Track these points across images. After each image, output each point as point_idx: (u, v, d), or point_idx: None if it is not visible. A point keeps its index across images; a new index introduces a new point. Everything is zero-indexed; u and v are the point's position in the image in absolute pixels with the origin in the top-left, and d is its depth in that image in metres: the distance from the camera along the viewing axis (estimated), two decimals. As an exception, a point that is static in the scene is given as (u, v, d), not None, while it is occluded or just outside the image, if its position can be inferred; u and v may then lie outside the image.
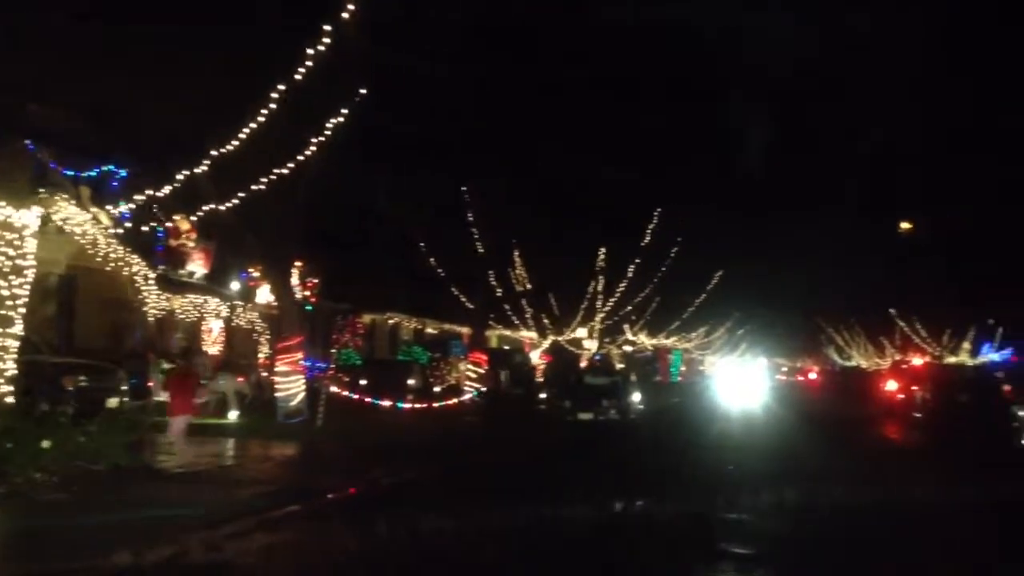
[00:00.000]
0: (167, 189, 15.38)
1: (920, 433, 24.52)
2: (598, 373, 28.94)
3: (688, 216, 38.54)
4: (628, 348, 56.31)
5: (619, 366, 56.98)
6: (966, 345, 55.55)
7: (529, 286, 36.35)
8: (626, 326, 49.41)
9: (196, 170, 14.66)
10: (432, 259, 30.80)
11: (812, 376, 76.67)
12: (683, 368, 74.77)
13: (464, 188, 29.51)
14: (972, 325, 53.02)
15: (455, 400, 27.67)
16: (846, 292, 55.18)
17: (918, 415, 27.40)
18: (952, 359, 52.63)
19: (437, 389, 31.09)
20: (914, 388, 30.30)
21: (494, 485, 12.98)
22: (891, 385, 33.63)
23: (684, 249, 40.25)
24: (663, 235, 38.01)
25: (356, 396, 22.87)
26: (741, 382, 46.75)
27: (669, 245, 39.10)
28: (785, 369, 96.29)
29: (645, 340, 56.74)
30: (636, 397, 26.05)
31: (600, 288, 39.98)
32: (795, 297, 60.91)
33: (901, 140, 37.43)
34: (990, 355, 53.23)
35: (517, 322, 37.76)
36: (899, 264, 46.54)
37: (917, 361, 41.18)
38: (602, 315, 41.03)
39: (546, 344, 39.10)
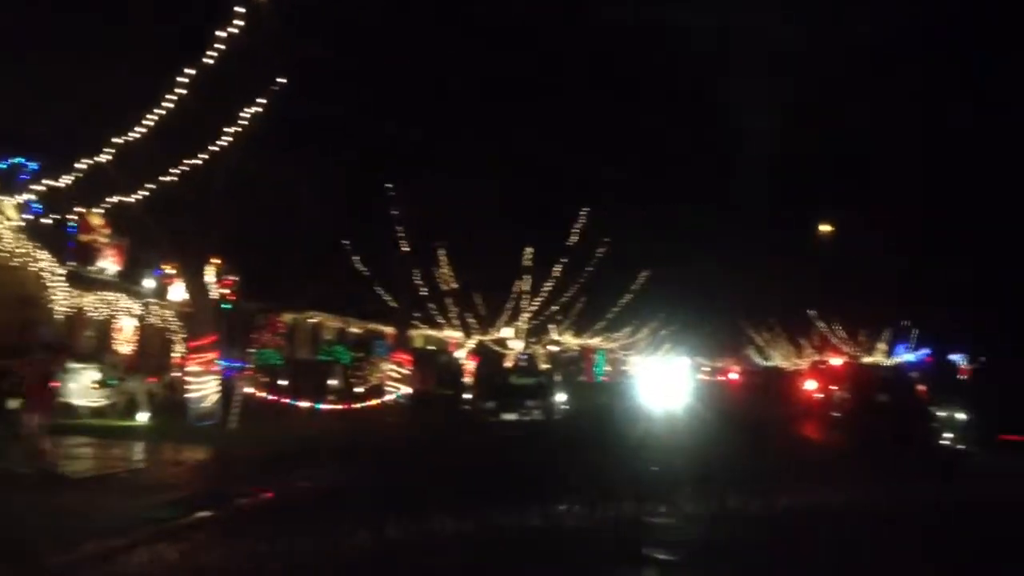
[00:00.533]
0: (71, 179, 14.62)
1: (840, 433, 24.77)
2: (523, 373, 28.67)
3: (615, 216, 38.64)
4: (554, 348, 56.24)
5: (545, 366, 57.05)
6: (882, 346, 56.71)
7: (455, 285, 35.95)
8: (552, 326, 49.25)
9: (100, 159, 13.91)
10: (356, 257, 30.22)
11: (733, 376, 77.71)
12: (608, 368, 75.11)
13: (390, 186, 29.01)
14: (888, 326, 54.17)
15: (377, 401, 27.15)
16: (767, 293, 56.13)
17: (837, 414, 27.72)
18: (868, 359, 53.66)
19: (360, 390, 30.55)
20: (833, 388, 30.68)
21: (410, 490, 12.56)
22: (810, 385, 34.06)
23: (611, 249, 40.31)
24: (591, 235, 37.96)
25: (273, 397, 22.22)
26: (664, 382, 46.96)
27: (597, 245, 39.07)
28: (708, 369, 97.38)
29: (571, 340, 56.70)
30: (560, 397, 25.84)
31: (527, 288, 39.71)
32: (718, 298, 61.94)
33: (822, 142, 38.00)
34: (905, 356, 54.51)
35: (442, 322, 37.31)
36: (818, 266, 47.29)
37: (836, 361, 41.79)
38: (528, 315, 40.77)
39: (471, 344, 38.68)
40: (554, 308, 42.12)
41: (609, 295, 48.96)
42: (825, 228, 44.68)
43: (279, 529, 9.14)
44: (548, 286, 39.39)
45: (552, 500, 10.69)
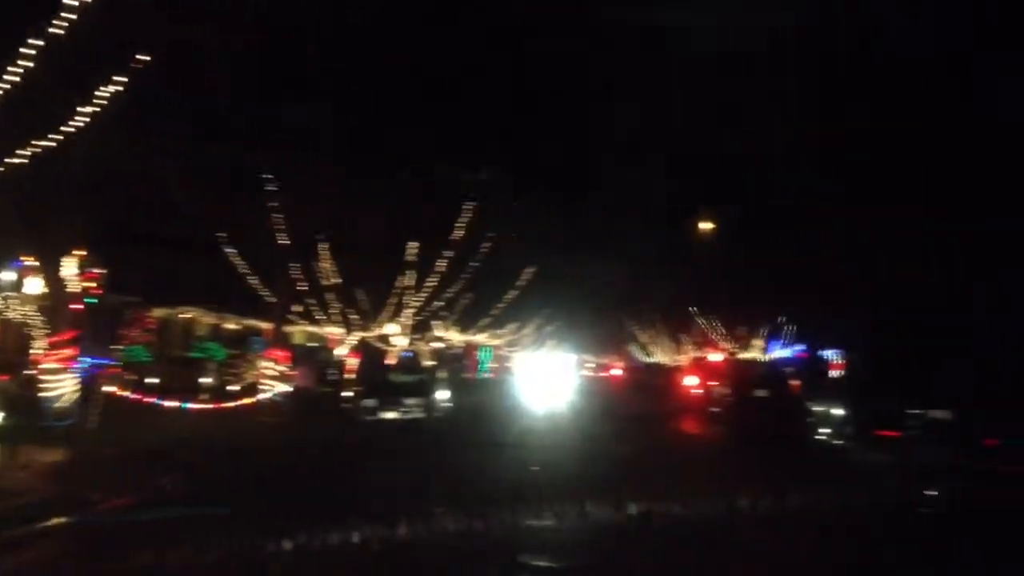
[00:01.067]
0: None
1: (719, 428, 25.07)
2: (404, 371, 28.05)
3: (501, 212, 38.34)
4: (439, 345, 55.69)
5: (429, 363, 56.40)
6: (758, 342, 58.07)
7: (337, 280, 35.04)
8: (436, 322, 48.67)
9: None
10: (232, 250, 29.08)
11: (617, 372, 78.63)
12: (494, 364, 74.99)
13: (270, 176, 28.01)
14: (765, 322, 55.45)
15: (251, 400, 26.13)
16: (650, 290, 56.87)
17: (716, 409, 28.13)
18: (745, 355, 54.87)
19: (234, 388, 29.45)
20: (712, 383, 31.21)
21: (278, 494, 11.92)
22: (691, 381, 34.56)
23: (497, 245, 40.02)
24: (477, 230, 37.56)
25: (138, 396, 21.09)
26: (548, 378, 47.08)
27: (482, 240, 38.69)
28: (592, 365, 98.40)
29: (456, 336, 56.21)
30: (443, 394, 25.36)
31: (411, 283, 38.97)
32: (603, 294, 62.46)
33: (712, 140, 38.44)
34: (781, 351, 55.94)
35: (323, 318, 36.31)
36: (699, 263, 48.05)
37: (716, 357, 42.57)
38: (412, 310, 40.05)
39: (352, 340, 37.76)
40: (438, 304, 41.48)
41: (495, 291, 48.73)
42: (705, 226, 45.42)
43: (131, 537, 8.44)
44: (432, 281, 38.78)
45: (423, 506, 10.18)
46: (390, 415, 22.86)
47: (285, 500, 11.31)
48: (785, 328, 53.69)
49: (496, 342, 66.90)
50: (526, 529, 9.63)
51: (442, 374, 30.60)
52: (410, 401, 23.32)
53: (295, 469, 14.99)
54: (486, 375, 68.58)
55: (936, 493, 12.01)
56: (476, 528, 9.43)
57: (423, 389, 24.34)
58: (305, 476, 14.09)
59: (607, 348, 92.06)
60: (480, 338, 61.57)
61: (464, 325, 54.14)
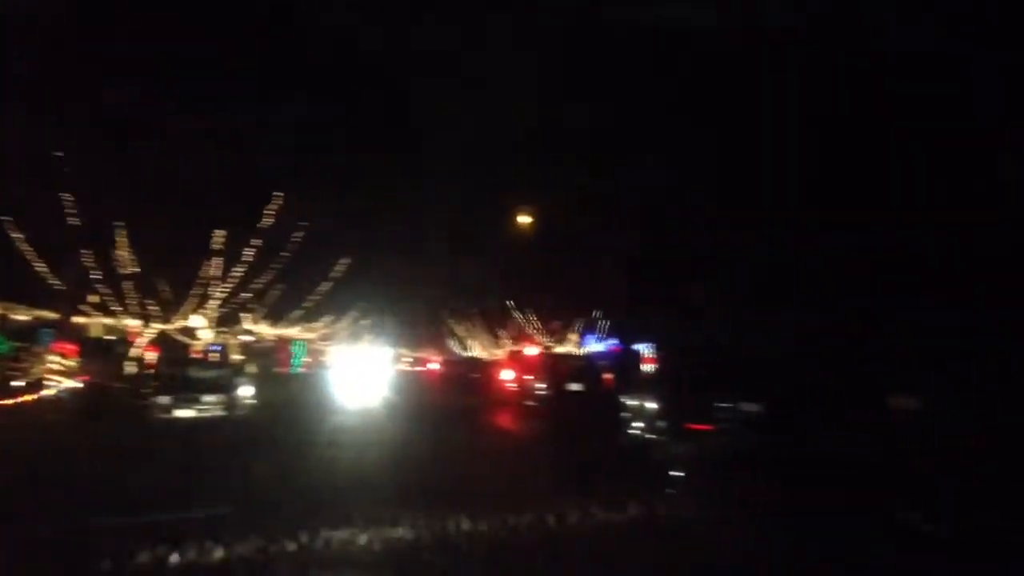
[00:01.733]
0: None
1: (534, 424, 24.89)
2: (203, 366, 26.24)
3: (314, 201, 37.02)
4: (248, 338, 53.47)
5: (239, 357, 54.04)
6: (573, 336, 58.89)
7: (135, 269, 32.82)
8: (245, 315, 46.60)
9: None
10: (20, 235, 26.68)
11: (434, 366, 78.18)
12: (308, 359, 72.87)
13: (59, 154, 25.84)
14: (580, 316, 56.30)
15: (34, 396, 23.98)
16: (468, 284, 56.65)
17: (533, 403, 28.05)
18: (560, 349, 55.51)
19: (19, 384, 27.06)
20: (528, 377, 31.12)
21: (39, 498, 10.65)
22: (507, 375, 34.43)
23: (311, 236, 38.66)
24: (289, 219, 36.08)
25: None
26: (363, 373, 45.94)
27: (294, 229, 37.23)
28: (410, 359, 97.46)
29: (266, 330, 54.08)
30: (247, 391, 23.93)
31: (218, 273, 36.99)
32: (421, 287, 61.73)
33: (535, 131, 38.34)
34: (595, 345, 56.97)
35: (119, 308, 33.92)
36: (516, 257, 48.13)
37: (532, 351, 42.68)
38: (218, 302, 38.05)
39: (151, 333, 35.50)
40: (246, 295, 39.55)
41: (308, 283, 47.07)
42: (523, 219, 45.49)
43: None
44: (239, 271, 36.91)
45: (211, 520, 9.21)
46: (186, 413, 21.27)
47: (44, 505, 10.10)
48: (600, 322, 54.73)
49: (310, 336, 64.95)
50: (321, 541, 8.86)
51: (251, 369, 29.08)
52: (209, 398, 21.75)
53: (72, 472, 13.55)
54: (300, 370, 66.61)
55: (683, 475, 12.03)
56: (255, 543, 8.50)
57: (224, 385, 22.76)
58: (82, 479, 12.72)
59: (424, 342, 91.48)
60: (293, 331, 59.56)
61: (275, 318, 52.10)
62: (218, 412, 21.46)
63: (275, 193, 34.44)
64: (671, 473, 12.89)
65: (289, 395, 34.22)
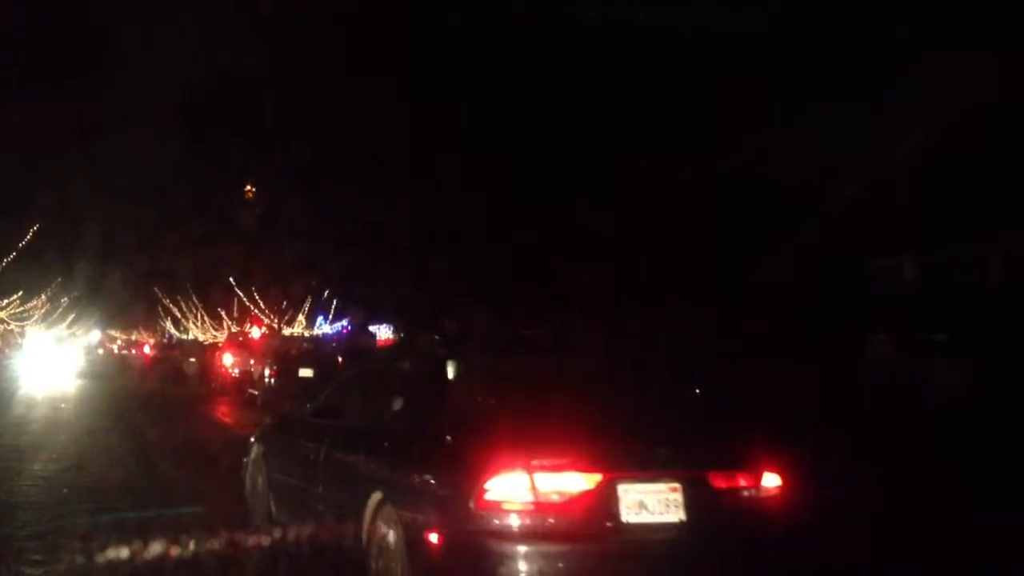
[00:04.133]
0: None
1: (256, 415, 21.96)
2: None
3: None
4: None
5: None
6: (301, 318, 55.87)
7: None
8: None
9: None
10: None
11: (147, 351, 71.82)
12: (-1, 343, 64.54)
13: None
14: (308, 296, 53.21)
15: None
16: (187, 260, 51.57)
17: (255, 392, 25.35)
18: (288, 331, 52.34)
19: None
20: (252, 362, 28.46)
21: None
22: (228, 359, 31.31)
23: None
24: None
25: None
26: (59, 357, 40.57)
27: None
28: (121, 342, 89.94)
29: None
30: None
31: None
32: (132, 264, 55.46)
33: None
34: (324, 327, 54.31)
35: None
36: (242, 234, 44.45)
37: (255, 333, 39.31)
38: None
39: None
40: None
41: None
42: (248, 190, 42.05)
43: None
44: None
45: None
46: None
47: None
48: (331, 303, 52.02)
49: (-1, 315, 57.00)
50: None
51: None
52: None
53: None
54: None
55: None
56: None
57: None
58: None
59: (136, 323, 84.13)
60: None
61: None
62: None
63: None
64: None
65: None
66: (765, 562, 5.42)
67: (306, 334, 49.08)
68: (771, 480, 5.60)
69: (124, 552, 6.56)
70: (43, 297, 58.50)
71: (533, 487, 5.12)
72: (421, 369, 7.10)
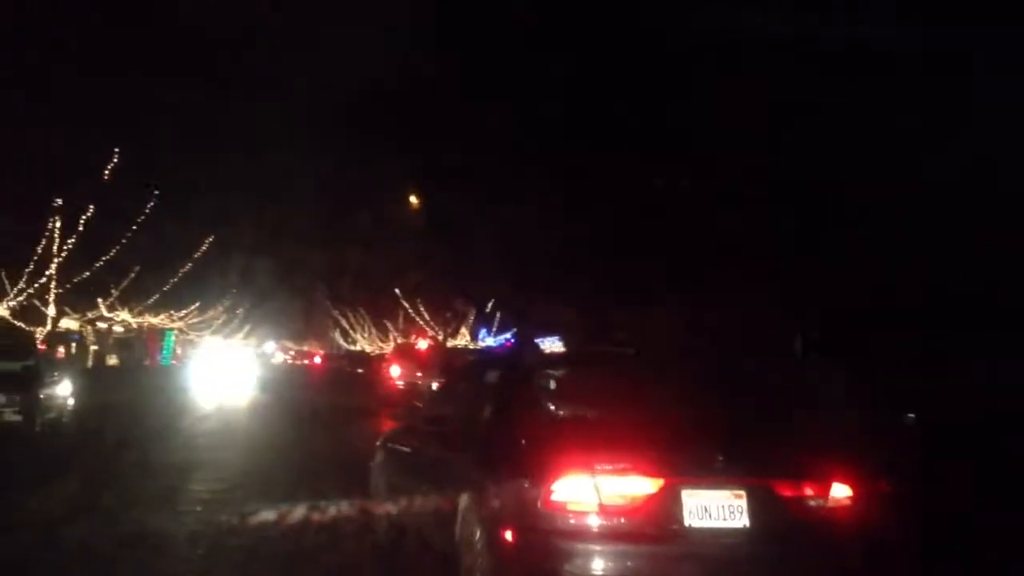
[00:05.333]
0: None
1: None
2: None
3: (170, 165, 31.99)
4: (104, 326, 47.67)
5: (93, 347, 48.22)
6: (464, 330, 55.39)
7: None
8: (101, 299, 40.87)
9: None
10: None
11: (317, 360, 73.24)
12: (178, 351, 67.02)
13: None
14: (473, 308, 52.66)
15: None
16: (354, 273, 51.83)
17: (420, 405, 24.24)
18: (452, 343, 51.83)
19: None
20: (419, 374, 27.65)
21: None
22: (394, 371, 30.65)
23: (170, 209, 33.69)
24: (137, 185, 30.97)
25: None
26: (233, 368, 40.99)
27: (146, 199, 32.05)
28: (293, 352, 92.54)
29: (127, 317, 47.87)
30: (64, 390, 18.88)
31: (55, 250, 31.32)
32: (305, 276, 56.37)
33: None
34: (488, 340, 53.52)
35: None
36: (404, 246, 43.93)
37: (422, 344, 38.56)
38: (48, 283, 32.02)
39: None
40: (87, 275, 33.34)
41: (172, 265, 41.28)
42: (415, 202, 41.43)
43: None
44: (67, 246, 31.10)
45: None
46: None
47: None
48: (495, 315, 51.27)
49: (178, 325, 58.80)
50: None
51: (112, 361, 23.90)
52: None
53: None
54: (171, 363, 60.70)
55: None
56: None
57: (23, 383, 17.27)
58: None
59: (308, 334, 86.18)
60: (158, 320, 53.44)
61: (136, 303, 45.83)
62: (11, 419, 16.27)
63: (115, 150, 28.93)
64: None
65: (133, 395, 29.12)
66: (830, 573, 5.56)
67: (470, 347, 48.26)
68: (841, 491, 5.64)
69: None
70: (219, 308, 60.12)
71: (597, 490, 5.32)
72: (506, 378, 7.20)
